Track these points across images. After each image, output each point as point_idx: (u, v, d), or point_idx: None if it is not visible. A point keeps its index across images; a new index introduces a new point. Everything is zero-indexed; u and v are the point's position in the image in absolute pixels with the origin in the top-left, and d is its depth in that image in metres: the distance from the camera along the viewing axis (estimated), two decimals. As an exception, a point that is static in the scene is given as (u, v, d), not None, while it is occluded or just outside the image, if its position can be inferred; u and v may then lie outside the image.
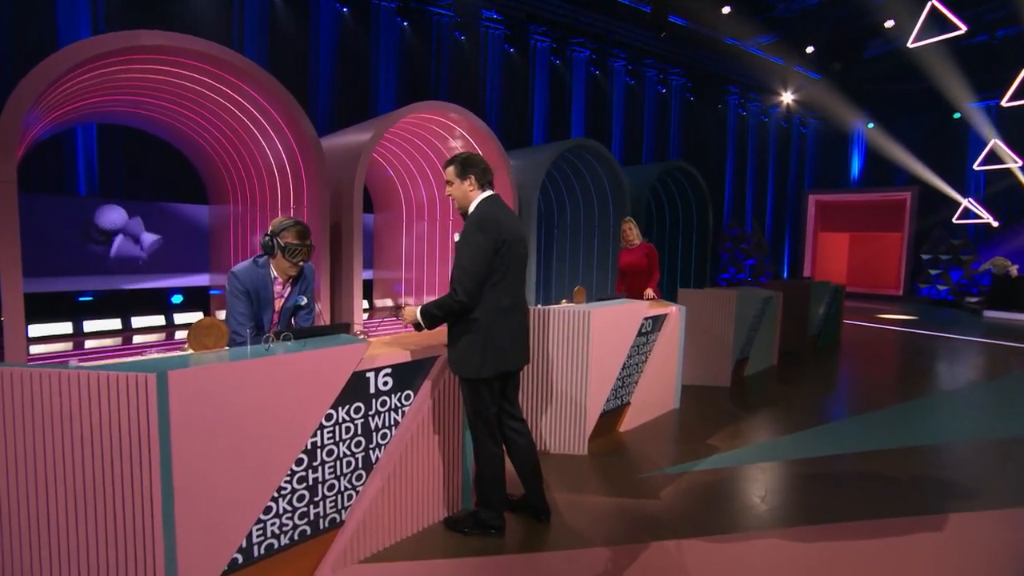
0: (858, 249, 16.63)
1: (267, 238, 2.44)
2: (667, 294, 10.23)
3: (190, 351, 1.96)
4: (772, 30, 12.87)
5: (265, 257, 2.56)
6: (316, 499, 2.13)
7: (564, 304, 3.79)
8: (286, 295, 2.60)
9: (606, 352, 3.60)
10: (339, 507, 2.22)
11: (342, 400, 2.14)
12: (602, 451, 3.62)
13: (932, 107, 14.63)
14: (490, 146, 6.26)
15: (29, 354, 5.52)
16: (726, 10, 11.18)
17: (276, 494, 1.98)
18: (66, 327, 6.32)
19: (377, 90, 9.84)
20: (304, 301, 2.62)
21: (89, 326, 6.49)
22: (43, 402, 1.60)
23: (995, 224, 13.88)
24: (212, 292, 7.41)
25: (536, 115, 12.07)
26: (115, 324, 6.67)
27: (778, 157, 17.53)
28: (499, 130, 10.22)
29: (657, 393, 4.35)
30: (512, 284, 2.33)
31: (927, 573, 2.34)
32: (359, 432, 2.24)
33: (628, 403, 4.08)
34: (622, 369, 3.84)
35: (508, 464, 2.54)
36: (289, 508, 2.04)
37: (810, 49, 12.99)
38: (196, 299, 7.45)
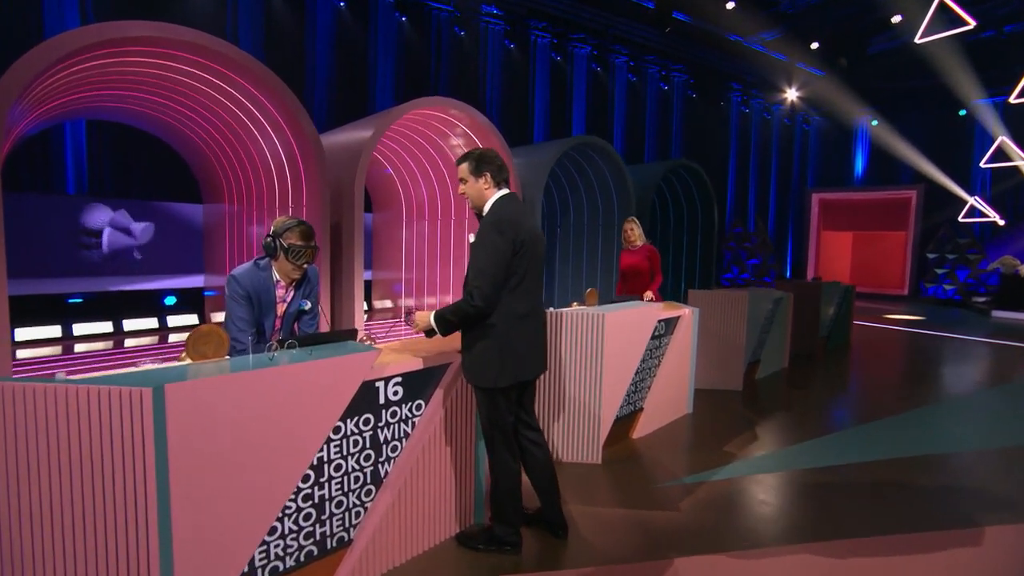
0: (861, 248, 16.59)
1: (269, 239, 2.33)
2: (672, 295, 10.21)
3: (187, 360, 1.85)
4: (776, 26, 12.80)
5: (266, 259, 2.44)
6: (323, 517, 2.02)
7: (576, 307, 3.68)
8: (289, 299, 2.49)
9: (620, 356, 3.49)
10: (347, 525, 2.11)
11: (351, 412, 2.03)
12: (616, 459, 3.52)
13: (938, 104, 14.60)
14: (494, 144, 6.15)
15: (15, 359, 5.38)
16: (730, 5, 11.09)
17: (281, 514, 1.87)
18: (55, 330, 6.17)
19: (375, 87, 9.71)
20: (308, 306, 2.51)
21: (79, 329, 6.34)
22: (28, 419, 1.48)
23: (1001, 223, 13.85)
24: (207, 294, 7.27)
25: (537, 112, 11.96)
26: (106, 327, 6.53)
27: (781, 155, 17.48)
28: (499, 128, 10.09)
29: (670, 398, 4.25)
30: (530, 288, 2.23)
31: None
32: (368, 445, 2.13)
33: (641, 409, 3.98)
34: (635, 374, 3.74)
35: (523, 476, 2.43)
36: (295, 528, 1.93)
37: (815, 45, 12.92)
38: (190, 301, 7.31)
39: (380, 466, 2.19)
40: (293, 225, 2.33)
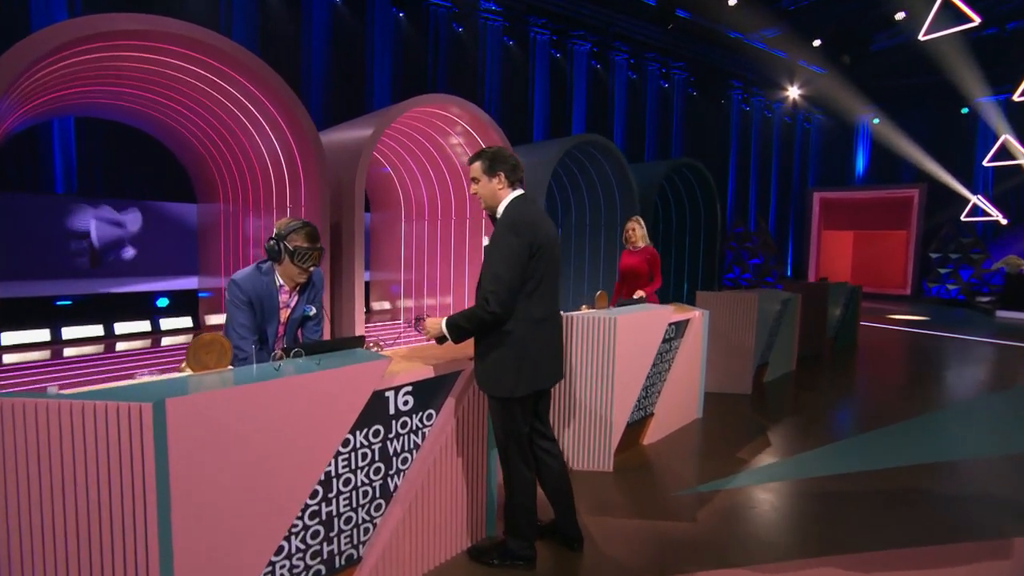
0: (862, 248, 16.60)
1: (273, 242, 2.23)
2: (675, 297, 10.15)
3: (188, 371, 1.76)
4: (779, 23, 12.78)
5: (269, 263, 2.35)
6: (331, 534, 1.93)
7: (585, 310, 3.61)
8: (292, 304, 2.40)
9: (632, 360, 3.42)
10: (355, 542, 2.02)
11: (360, 423, 1.95)
12: (628, 467, 3.45)
13: (940, 102, 14.62)
14: (497, 143, 6.08)
15: (2, 363, 5.26)
16: (732, 1, 11.05)
17: (288, 532, 1.78)
18: (43, 334, 6.05)
19: (372, 84, 9.62)
20: (313, 311, 2.42)
21: (68, 333, 6.22)
22: (18, 437, 1.39)
23: (1004, 222, 13.88)
24: (201, 295, 7.15)
25: (536, 110, 11.89)
26: (96, 331, 6.41)
27: (781, 153, 17.48)
28: (499, 126, 10.04)
29: (680, 402, 4.19)
30: (547, 293, 2.15)
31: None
32: (377, 458, 2.05)
33: (651, 414, 3.91)
34: (646, 378, 3.66)
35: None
36: (302, 547, 1.84)
37: (817, 42, 12.91)
38: (184, 303, 7.19)
39: (390, 479, 2.11)
40: (298, 227, 2.24)
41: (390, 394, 2.05)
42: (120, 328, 6.56)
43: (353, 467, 1.97)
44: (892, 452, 3.80)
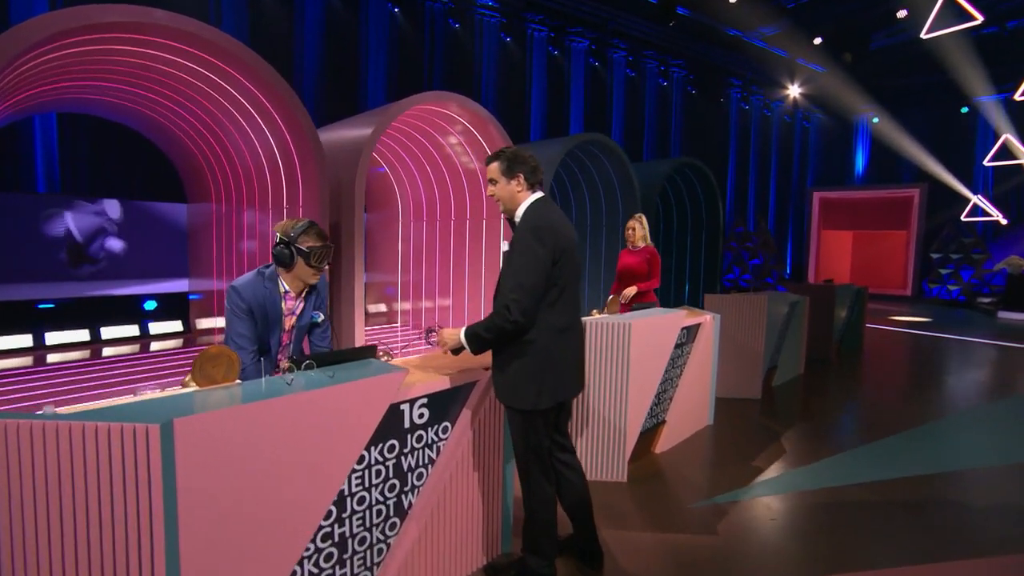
0: (862, 248, 16.69)
1: (282, 247, 2.15)
2: (675, 299, 10.11)
3: (193, 385, 1.67)
4: (777, 20, 12.81)
5: (272, 267, 2.26)
6: (345, 556, 1.85)
7: (596, 315, 3.55)
8: (298, 311, 2.31)
9: (645, 367, 3.36)
10: (369, 563, 1.94)
11: (375, 438, 1.87)
12: (642, 477, 3.39)
13: (939, 101, 14.72)
14: (499, 143, 6.00)
15: (-15, 371, 5.11)
16: (733, -1, 11.06)
17: (302, 555, 1.70)
18: (25, 340, 5.89)
19: (366, 81, 9.51)
20: (321, 317, 2.34)
21: (52, 338, 6.06)
22: (12, 460, 1.30)
23: (1004, 222, 14.00)
24: (191, 297, 7.02)
25: (533, 108, 11.82)
26: (82, 335, 6.26)
27: (780, 153, 17.54)
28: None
29: (692, 409, 4.14)
30: (569, 301, 2.08)
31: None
32: (392, 474, 1.97)
33: (663, 421, 3.85)
34: (659, 384, 3.61)
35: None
36: (315, 571, 1.76)
37: (818, 40, 12.95)
38: (174, 306, 7.04)
39: (404, 496, 2.03)
40: (307, 227, 2.17)
41: (405, 407, 1.98)
42: (107, 333, 6.41)
43: (367, 485, 1.89)
44: (909, 460, 3.77)
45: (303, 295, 2.31)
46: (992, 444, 4.13)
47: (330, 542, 1.80)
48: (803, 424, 4.48)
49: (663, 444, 3.83)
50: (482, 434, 2.27)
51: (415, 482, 2.06)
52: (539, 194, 2.15)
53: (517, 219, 2.13)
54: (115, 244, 6.61)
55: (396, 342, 6.78)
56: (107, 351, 6.04)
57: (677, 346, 3.80)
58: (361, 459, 1.84)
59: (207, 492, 1.42)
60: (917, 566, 2.50)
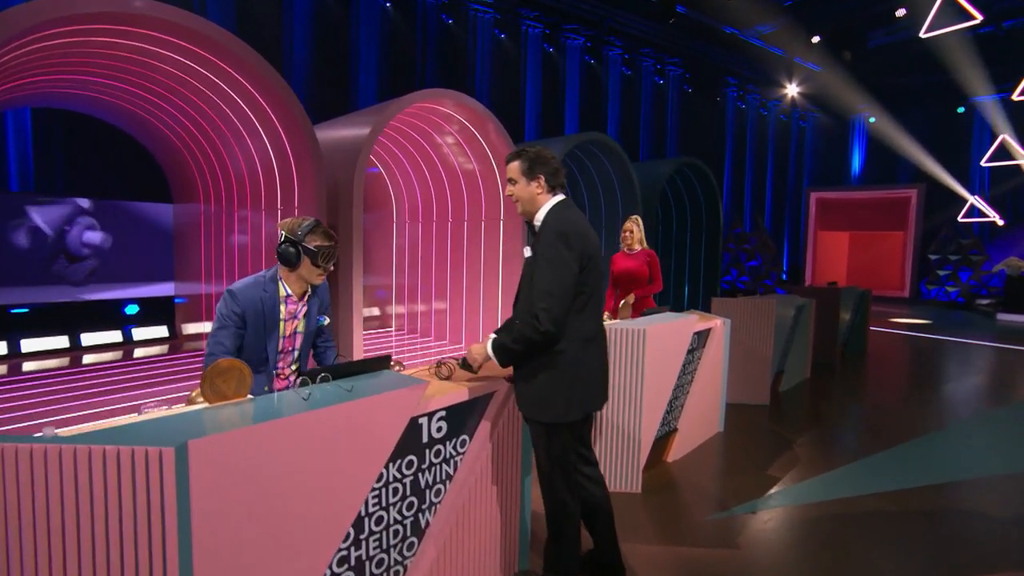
0: (859, 249, 16.84)
1: (287, 247, 2.09)
2: (675, 301, 10.11)
3: (201, 402, 1.59)
4: (777, 17, 12.91)
5: (273, 271, 2.20)
6: (361, 581, 1.78)
7: (609, 321, 3.50)
8: (300, 315, 2.24)
9: (659, 374, 3.32)
10: (385, 587, 1.87)
11: (394, 455, 1.80)
12: (656, 487, 3.35)
13: (936, 101, 14.93)
14: (499, 143, 5.94)
15: (-41, 381, 4.94)
16: (731, -4, 11.12)
17: (317, 583, 1.62)
18: None
19: (357, 77, 9.41)
20: (327, 321, 2.27)
21: (28, 345, 5.89)
22: (9, 486, 1.21)
23: (1001, 223, 14.22)
24: (177, 301, 6.86)
25: (528, 106, 11.79)
26: (61, 342, 6.09)
27: (777, 152, 17.69)
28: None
29: (703, 416, 4.11)
30: (596, 307, 2.03)
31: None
32: (409, 492, 1.90)
33: (675, 429, 3.82)
34: (671, 391, 3.57)
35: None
36: (331, 598, 1.68)
37: (816, 39, 13.07)
38: (159, 311, 6.89)
39: (422, 514, 1.97)
40: (314, 225, 2.12)
41: (424, 420, 1.91)
42: (87, 339, 6.25)
43: (385, 504, 1.82)
44: (922, 469, 3.77)
45: (305, 298, 2.25)
46: (1009, 450, 4.15)
47: (346, 566, 1.73)
48: (813, 431, 4.47)
49: (675, 452, 3.80)
50: (500, 447, 2.21)
51: (433, 499, 2.00)
52: (560, 197, 2.09)
53: (537, 222, 2.07)
54: (94, 246, 6.44)
55: (391, 348, 6.69)
56: (88, 358, 5.89)
57: (688, 352, 3.77)
58: (380, 476, 1.77)
59: (222, 516, 1.34)
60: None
